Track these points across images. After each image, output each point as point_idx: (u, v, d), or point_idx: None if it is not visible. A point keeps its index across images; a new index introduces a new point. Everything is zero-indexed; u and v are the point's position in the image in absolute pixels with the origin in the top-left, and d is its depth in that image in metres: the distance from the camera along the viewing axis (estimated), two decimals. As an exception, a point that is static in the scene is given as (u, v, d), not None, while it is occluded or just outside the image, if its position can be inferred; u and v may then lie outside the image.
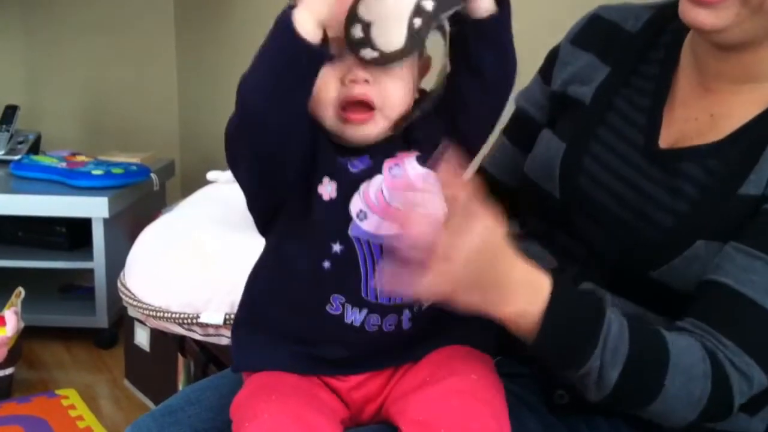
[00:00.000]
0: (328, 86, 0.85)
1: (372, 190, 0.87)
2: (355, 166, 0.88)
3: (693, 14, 0.90)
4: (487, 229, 0.78)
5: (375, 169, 0.87)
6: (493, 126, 0.94)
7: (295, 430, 0.83)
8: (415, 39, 0.82)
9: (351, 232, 0.87)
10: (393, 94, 0.86)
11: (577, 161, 1.02)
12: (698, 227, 0.91)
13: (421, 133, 0.90)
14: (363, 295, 0.88)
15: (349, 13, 0.81)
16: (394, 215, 0.84)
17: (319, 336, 0.91)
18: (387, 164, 0.88)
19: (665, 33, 1.03)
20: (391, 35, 0.82)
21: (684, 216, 0.93)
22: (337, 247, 0.87)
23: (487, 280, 0.80)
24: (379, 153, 0.88)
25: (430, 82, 0.92)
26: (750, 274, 0.87)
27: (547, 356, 0.86)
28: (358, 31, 0.81)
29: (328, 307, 0.89)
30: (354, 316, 0.89)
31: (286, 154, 0.84)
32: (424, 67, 0.92)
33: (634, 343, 0.84)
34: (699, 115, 0.98)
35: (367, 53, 0.82)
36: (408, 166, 0.88)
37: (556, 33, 1.15)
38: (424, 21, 0.81)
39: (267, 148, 0.83)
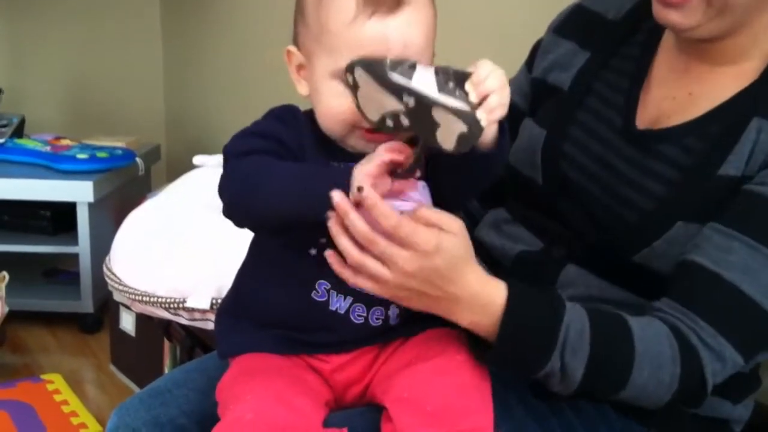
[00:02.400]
0: (349, 108, 0.84)
1: None
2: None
3: (664, 14, 0.94)
4: (441, 251, 0.80)
5: None
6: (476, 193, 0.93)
7: (279, 411, 0.84)
8: None
9: None
10: None
11: (558, 146, 1.03)
12: (678, 209, 0.92)
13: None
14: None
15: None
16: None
17: (304, 322, 0.91)
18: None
19: (648, 18, 1.03)
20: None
21: (663, 198, 0.94)
22: (323, 240, 0.87)
23: (437, 295, 0.83)
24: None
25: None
26: (727, 254, 0.87)
27: (505, 364, 0.87)
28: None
29: (313, 294, 0.90)
30: (339, 303, 0.90)
31: None
32: None
33: (597, 339, 0.85)
34: (677, 94, 0.99)
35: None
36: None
37: (544, 29, 1.16)
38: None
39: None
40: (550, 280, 0.99)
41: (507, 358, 0.86)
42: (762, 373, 1.04)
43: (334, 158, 0.88)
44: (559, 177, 1.03)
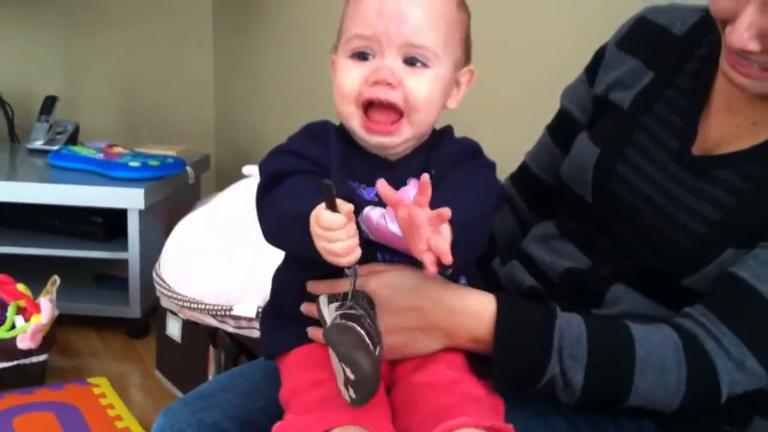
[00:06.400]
0: (352, 83, 0.86)
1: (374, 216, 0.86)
2: (368, 193, 0.88)
3: (734, 76, 0.91)
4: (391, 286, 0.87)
5: (381, 203, 0.84)
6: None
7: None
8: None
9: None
10: (421, 97, 0.85)
11: (611, 167, 1.01)
12: (730, 235, 0.90)
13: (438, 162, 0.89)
14: None
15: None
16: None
17: None
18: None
19: (711, 32, 1.00)
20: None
21: (716, 223, 0.92)
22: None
23: (427, 319, 0.88)
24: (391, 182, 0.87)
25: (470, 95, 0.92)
26: None
27: (508, 374, 0.88)
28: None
29: None
30: None
31: None
32: (465, 82, 0.91)
33: (595, 345, 0.86)
34: (740, 122, 0.96)
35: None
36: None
37: (604, 31, 1.13)
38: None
39: None
40: (598, 298, 0.98)
41: (508, 367, 0.87)
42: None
43: (352, 177, 0.89)
44: (609, 197, 1.01)
